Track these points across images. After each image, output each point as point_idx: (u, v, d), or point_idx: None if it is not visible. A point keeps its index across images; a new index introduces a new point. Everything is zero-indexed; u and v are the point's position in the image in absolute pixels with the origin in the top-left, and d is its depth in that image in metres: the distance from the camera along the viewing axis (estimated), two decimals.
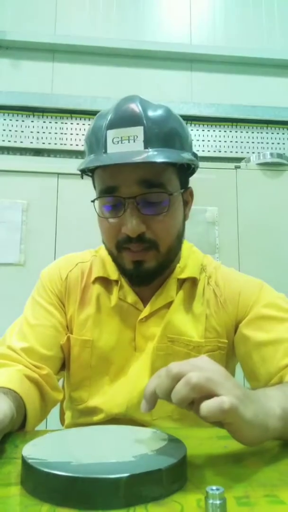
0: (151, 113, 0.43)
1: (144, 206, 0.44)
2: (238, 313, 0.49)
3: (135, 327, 0.49)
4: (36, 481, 0.26)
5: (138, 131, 0.42)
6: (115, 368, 0.49)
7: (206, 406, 0.27)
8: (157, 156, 0.42)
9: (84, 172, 0.48)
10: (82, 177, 0.49)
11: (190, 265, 0.51)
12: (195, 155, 0.48)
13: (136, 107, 0.43)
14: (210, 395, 0.28)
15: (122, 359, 0.49)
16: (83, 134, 1.57)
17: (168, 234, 0.45)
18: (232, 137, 1.64)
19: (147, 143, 0.42)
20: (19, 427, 0.41)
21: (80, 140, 1.57)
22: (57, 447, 0.30)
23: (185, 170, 0.47)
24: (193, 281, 0.51)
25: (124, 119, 0.43)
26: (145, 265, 0.45)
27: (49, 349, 0.48)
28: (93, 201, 0.47)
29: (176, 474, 0.27)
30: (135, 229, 0.43)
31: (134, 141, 0.42)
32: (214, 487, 0.23)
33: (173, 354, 0.48)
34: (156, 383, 0.29)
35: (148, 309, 0.49)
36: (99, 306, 0.50)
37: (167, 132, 0.44)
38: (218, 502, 0.23)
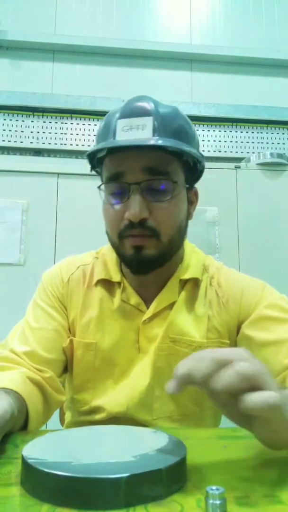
0: (160, 109, 0.45)
1: (148, 192, 0.44)
2: (240, 314, 0.49)
3: (139, 329, 0.49)
4: (36, 481, 0.26)
5: (147, 120, 0.44)
6: (119, 370, 0.49)
7: (254, 397, 0.25)
8: (164, 142, 0.43)
9: (93, 167, 0.49)
10: (91, 170, 0.50)
11: (192, 266, 0.51)
12: (201, 155, 0.49)
13: (146, 102, 0.46)
14: (255, 388, 0.26)
15: (125, 361, 0.49)
16: (83, 134, 1.57)
17: (170, 223, 0.45)
18: (232, 137, 1.64)
19: (155, 132, 0.44)
20: (21, 428, 0.41)
21: (80, 140, 1.57)
22: (57, 447, 0.30)
23: (191, 168, 0.48)
24: (195, 282, 0.51)
25: (134, 110, 0.45)
26: (145, 251, 0.45)
27: (51, 352, 0.48)
28: (99, 187, 0.47)
29: (176, 474, 0.27)
30: (137, 214, 0.43)
31: (142, 129, 0.43)
32: (214, 487, 0.23)
33: (175, 355, 0.48)
34: (192, 364, 0.27)
35: (151, 310, 0.49)
36: (101, 308, 0.50)
37: (175, 127, 0.45)
38: (218, 502, 0.23)
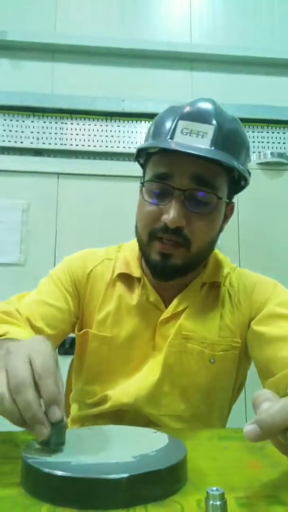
0: (223, 118, 0.45)
1: (191, 202, 0.44)
2: (251, 311, 0.49)
3: (155, 327, 0.49)
4: (36, 481, 0.26)
5: (209, 129, 0.43)
6: (133, 365, 0.49)
7: None
8: (222, 157, 0.42)
9: (138, 156, 0.48)
10: (134, 161, 0.50)
11: (214, 269, 0.51)
12: (249, 173, 0.49)
13: (211, 108, 0.45)
14: None
15: (140, 357, 0.49)
16: (83, 134, 1.57)
17: (203, 237, 0.45)
18: None
19: (213, 143, 0.43)
20: None
21: (80, 140, 1.57)
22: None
23: (235, 184, 0.48)
24: (214, 283, 0.51)
25: (198, 114, 0.44)
26: (172, 260, 0.45)
27: (51, 328, 0.48)
28: (142, 183, 0.47)
29: (176, 475, 0.27)
30: (175, 220, 0.43)
31: (202, 137, 0.43)
32: (214, 488, 0.23)
33: (186, 352, 0.48)
34: (277, 417, 0.24)
35: (170, 310, 0.49)
36: (120, 303, 0.50)
37: (234, 141, 0.45)
38: (218, 502, 0.23)
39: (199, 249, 0.45)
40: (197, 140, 0.43)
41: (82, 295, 0.52)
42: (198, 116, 0.44)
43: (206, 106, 0.45)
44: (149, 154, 0.47)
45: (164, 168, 0.44)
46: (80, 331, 0.52)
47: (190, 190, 0.43)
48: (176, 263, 0.45)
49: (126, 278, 0.51)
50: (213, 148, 0.43)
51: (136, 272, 0.50)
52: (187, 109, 0.45)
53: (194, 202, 0.44)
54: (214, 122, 0.44)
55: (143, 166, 0.50)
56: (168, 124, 0.45)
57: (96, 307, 0.51)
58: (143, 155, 0.48)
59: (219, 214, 0.46)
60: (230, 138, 0.44)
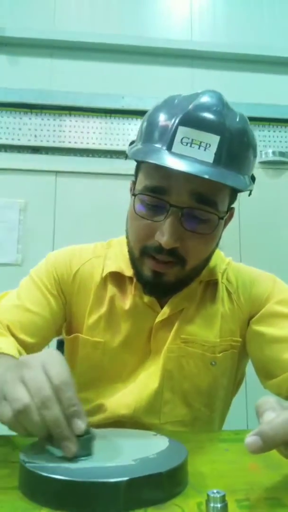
0: (230, 125, 0.39)
1: (188, 220, 0.39)
2: (251, 308, 0.48)
3: (151, 330, 0.46)
4: (34, 485, 0.26)
5: (213, 140, 0.37)
6: (128, 371, 0.47)
7: None
8: (225, 177, 0.38)
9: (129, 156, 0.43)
10: (126, 158, 0.43)
11: (212, 267, 0.48)
12: (253, 178, 0.44)
13: (218, 110, 0.38)
14: None
15: (136, 362, 0.47)
16: (82, 132, 1.56)
17: (200, 256, 0.42)
18: None
19: (217, 157, 0.37)
20: None
21: (79, 137, 1.55)
22: (56, 451, 0.29)
23: (237, 191, 0.43)
24: (211, 281, 0.48)
25: (201, 120, 0.38)
26: (165, 277, 0.42)
27: (32, 337, 0.45)
28: (134, 196, 0.42)
29: (177, 478, 0.27)
30: (170, 242, 0.39)
31: (204, 150, 0.37)
32: (215, 490, 0.23)
33: (186, 356, 0.46)
34: (279, 430, 0.24)
35: (167, 312, 0.46)
36: (112, 306, 0.47)
37: (240, 153, 0.40)
38: (219, 505, 0.23)
39: (195, 266, 0.42)
40: (199, 153, 0.37)
41: (68, 296, 0.48)
42: (202, 122, 0.37)
43: (211, 107, 0.38)
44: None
45: (159, 182, 0.39)
46: (69, 334, 0.50)
47: (188, 209, 0.39)
48: (169, 280, 0.42)
49: (117, 278, 0.47)
50: (216, 163, 0.37)
51: (127, 271, 0.46)
52: (189, 110, 0.38)
53: (193, 220, 0.39)
54: (219, 130, 0.37)
55: (136, 162, 0.44)
56: (165, 128, 0.38)
57: (86, 310, 0.47)
58: (138, 161, 0.43)
59: (218, 232, 0.42)
60: (236, 150, 0.39)
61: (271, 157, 1.39)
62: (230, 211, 0.46)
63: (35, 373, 0.27)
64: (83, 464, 0.27)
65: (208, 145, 0.37)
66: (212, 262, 0.48)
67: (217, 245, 0.46)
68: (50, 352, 0.30)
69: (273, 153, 1.40)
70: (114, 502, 0.24)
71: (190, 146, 0.37)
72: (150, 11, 1.66)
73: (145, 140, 0.41)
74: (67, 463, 0.27)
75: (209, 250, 0.44)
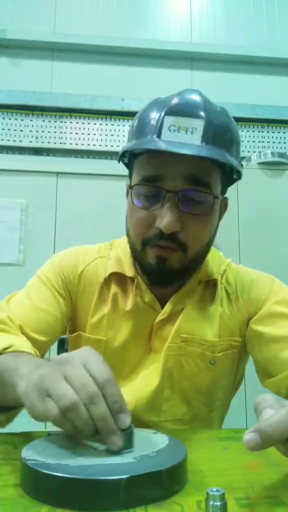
0: (212, 111, 0.42)
1: (185, 203, 0.41)
2: (250, 308, 0.48)
3: (152, 328, 0.47)
4: (36, 482, 0.26)
5: (198, 124, 0.40)
6: (129, 369, 0.48)
7: None
8: (215, 154, 0.40)
9: (122, 156, 0.45)
10: (119, 161, 0.46)
11: (211, 267, 0.49)
12: (241, 165, 0.46)
13: (199, 100, 0.42)
14: None
15: (136, 360, 0.48)
16: (82, 133, 1.57)
17: (200, 239, 0.43)
18: None
19: (204, 139, 0.40)
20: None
21: (79, 139, 1.56)
22: (57, 449, 0.30)
23: (228, 177, 0.45)
24: (211, 281, 0.49)
25: (185, 108, 0.41)
26: (169, 263, 0.42)
27: (42, 335, 0.46)
28: (131, 188, 0.44)
29: (177, 476, 0.27)
30: (170, 225, 0.40)
31: (191, 133, 0.39)
32: (214, 489, 0.23)
33: (185, 355, 0.46)
34: (278, 426, 0.24)
35: (167, 311, 0.47)
36: (114, 305, 0.48)
37: (225, 134, 0.42)
38: (218, 503, 0.23)
39: (196, 252, 0.43)
40: (186, 137, 0.39)
41: (73, 296, 0.49)
42: (186, 110, 0.40)
43: (193, 98, 0.42)
44: (134, 154, 0.44)
45: (153, 170, 0.41)
46: (72, 333, 0.51)
47: (184, 191, 0.40)
48: (174, 266, 0.43)
49: (119, 278, 0.49)
50: (204, 144, 0.39)
51: (129, 271, 0.48)
52: (173, 102, 0.41)
53: (189, 202, 0.41)
54: (203, 115, 0.40)
55: (128, 166, 0.47)
56: (153, 121, 0.41)
57: (89, 309, 0.49)
58: (127, 155, 0.45)
59: (215, 213, 0.44)
60: (220, 131, 0.41)
61: (270, 158, 1.39)
62: (224, 200, 0.47)
63: (78, 370, 0.28)
64: (84, 461, 0.27)
65: (194, 129, 0.40)
66: (211, 262, 0.49)
67: (215, 233, 0.47)
68: (88, 350, 0.30)
69: (272, 154, 1.40)
70: (114, 500, 0.25)
71: (178, 132, 0.40)
72: (150, 14, 1.67)
73: (137, 136, 0.43)
74: (68, 460, 0.27)
75: (209, 233, 0.45)
